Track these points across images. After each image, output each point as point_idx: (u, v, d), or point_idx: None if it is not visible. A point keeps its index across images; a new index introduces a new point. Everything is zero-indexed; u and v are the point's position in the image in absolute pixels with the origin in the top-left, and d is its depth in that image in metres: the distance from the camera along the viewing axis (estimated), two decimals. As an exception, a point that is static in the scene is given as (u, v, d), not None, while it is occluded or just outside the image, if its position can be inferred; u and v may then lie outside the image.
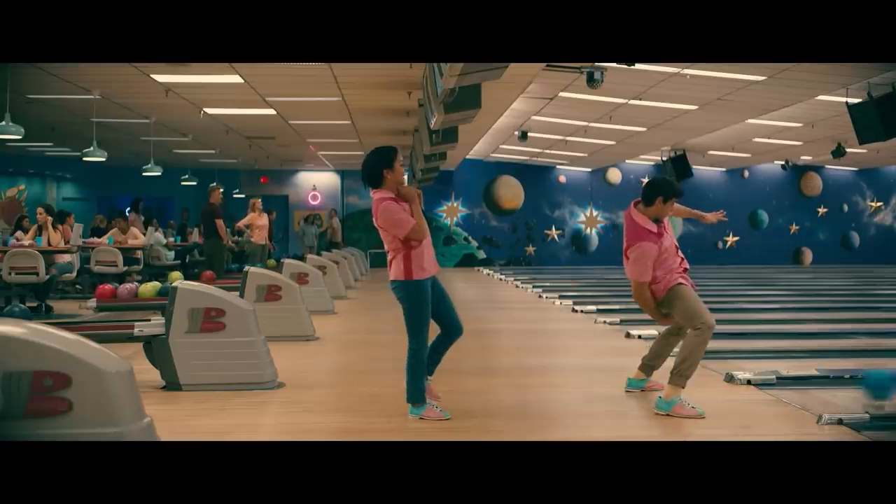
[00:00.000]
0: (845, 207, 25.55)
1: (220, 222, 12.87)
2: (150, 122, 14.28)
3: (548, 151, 20.79)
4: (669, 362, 5.42)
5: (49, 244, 11.01)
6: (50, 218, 11.25)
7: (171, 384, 5.74)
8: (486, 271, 21.34)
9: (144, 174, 16.16)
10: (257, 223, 14.57)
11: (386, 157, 4.95)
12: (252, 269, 8.76)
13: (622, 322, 9.63)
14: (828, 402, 5.43)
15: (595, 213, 24.90)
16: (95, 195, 23.36)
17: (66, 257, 11.38)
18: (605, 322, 9.87)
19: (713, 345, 7.54)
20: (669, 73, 10.95)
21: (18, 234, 11.41)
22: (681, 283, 5.30)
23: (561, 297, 13.17)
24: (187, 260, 15.72)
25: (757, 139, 18.09)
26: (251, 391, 5.68)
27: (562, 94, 12.76)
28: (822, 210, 25.41)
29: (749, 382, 5.99)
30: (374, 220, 5.01)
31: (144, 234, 14.31)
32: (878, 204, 25.73)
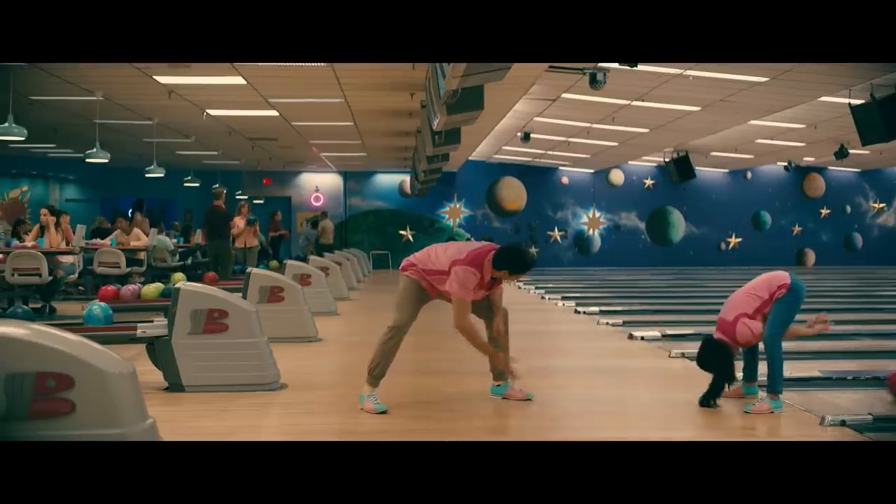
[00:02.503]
0: (848, 209, 25.53)
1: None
2: (152, 123, 14.29)
3: (550, 153, 20.79)
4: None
5: (50, 245, 11.02)
6: (53, 219, 11.26)
7: (174, 385, 5.74)
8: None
9: (147, 175, 16.18)
10: (239, 225, 14.57)
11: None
12: (255, 270, 8.77)
13: (625, 324, 9.63)
14: (831, 403, 5.43)
15: (598, 214, 24.89)
16: (98, 197, 23.37)
17: (69, 258, 11.38)
18: (607, 323, 9.86)
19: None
20: (672, 75, 10.95)
21: (15, 242, 11.38)
22: None
23: (563, 298, 13.17)
24: (190, 261, 15.71)
25: (759, 140, 18.08)
26: (254, 392, 5.68)
27: (564, 95, 12.76)
28: (824, 211, 25.39)
29: (751, 384, 5.97)
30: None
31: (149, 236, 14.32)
32: (881, 205, 25.71)
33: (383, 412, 5.11)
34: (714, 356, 5.46)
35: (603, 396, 5.88)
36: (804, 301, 5.51)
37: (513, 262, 5.17)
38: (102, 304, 6.14)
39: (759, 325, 5.35)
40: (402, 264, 5.46)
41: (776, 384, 5.25)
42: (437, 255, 5.29)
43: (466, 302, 5.13)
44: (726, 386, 5.45)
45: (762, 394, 5.42)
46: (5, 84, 10.16)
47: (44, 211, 11.57)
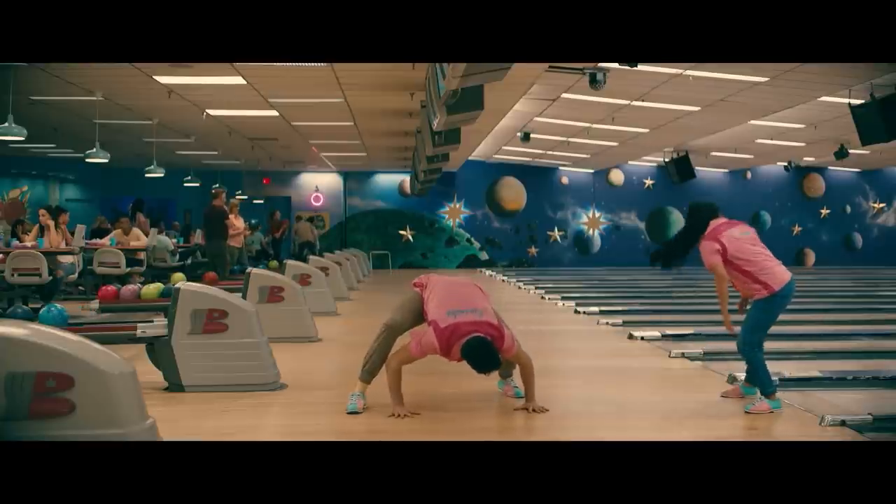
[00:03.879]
0: (848, 209, 25.53)
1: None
2: (152, 123, 14.29)
3: (550, 153, 20.79)
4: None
5: (49, 245, 11.02)
6: (51, 223, 11.26)
7: (174, 385, 5.74)
8: (488, 273, 21.34)
9: (147, 175, 16.18)
10: (233, 225, 14.46)
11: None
12: (255, 270, 8.78)
13: (625, 324, 9.62)
14: (830, 403, 5.42)
15: (597, 214, 24.90)
16: (98, 196, 23.37)
17: (69, 258, 11.38)
18: (607, 323, 9.86)
19: (716, 346, 7.55)
20: (672, 75, 10.95)
21: (15, 243, 11.39)
22: None
23: (563, 298, 13.17)
24: (189, 261, 15.72)
25: (759, 140, 18.08)
26: (254, 392, 5.69)
27: (564, 95, 12.76)
28: (824, 211, 25.39)
29: (752, 384, 5.97)
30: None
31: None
32: (881, 205, 25.70)
33: (353, 412, 5.13)
34: (682, 231, 5.89)
35: (603, 396, 5.87)
36: (803, 301, 5.50)
37: (472, 361, 4.96)
38: (59, 305, 6.12)
39: (717, 263, 5.50)
40: (416, 280, 5.46)
41: (766, 387, 5.27)
42: (434, 296, 5.19)
43: (411, 357, 5.11)
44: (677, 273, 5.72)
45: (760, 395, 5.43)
46: (5, 84, 10.16)
47: (42, 212, 11.55)
